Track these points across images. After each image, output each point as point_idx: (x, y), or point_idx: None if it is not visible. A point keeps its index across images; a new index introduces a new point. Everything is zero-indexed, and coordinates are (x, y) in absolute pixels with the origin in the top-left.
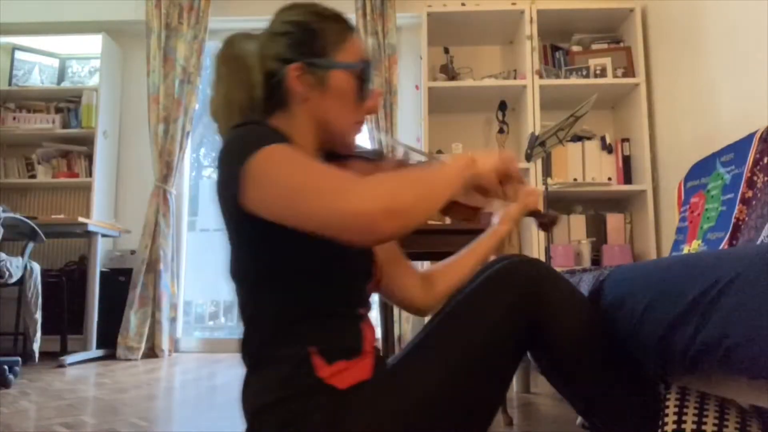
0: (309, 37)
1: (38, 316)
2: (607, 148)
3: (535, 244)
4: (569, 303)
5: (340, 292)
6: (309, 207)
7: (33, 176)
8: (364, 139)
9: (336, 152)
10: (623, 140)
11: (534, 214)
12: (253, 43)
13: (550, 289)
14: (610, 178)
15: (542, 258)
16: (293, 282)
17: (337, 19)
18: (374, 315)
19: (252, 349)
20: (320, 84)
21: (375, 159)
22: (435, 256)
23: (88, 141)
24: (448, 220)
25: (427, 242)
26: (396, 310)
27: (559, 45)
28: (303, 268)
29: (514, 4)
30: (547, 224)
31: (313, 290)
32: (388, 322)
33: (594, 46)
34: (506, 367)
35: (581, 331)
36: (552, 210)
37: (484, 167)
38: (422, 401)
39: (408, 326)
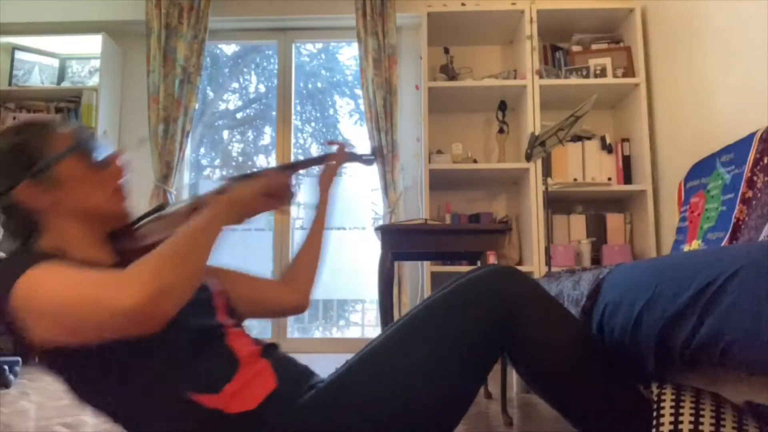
0: (14, 157)
1: None
2: (607, 148)
3: (535, 244)
4: (547, 320)
5: (185, 341)
6: (81, 322)
7: None
8: (363, 140)
9: (121, 228)
10: (623, 140)
11: (352, 159)
12: None
13: (528, 306)
14: (610, 178)
15: (542, 258)
16: (132, 362)
17: (29, 126)
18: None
19: None
20: (53, 184)
21: (161, 213)
22: (438, 257)
23: None
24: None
25: (432, 242)
26: (396, 311)
27: (559, 45)
28: (131, 347)
29: (514, 4)
30: (370, 159)
31: (156, 357)
32: (387, 323)
33: (594, 46)
34: (469, 378)
35: (561, 347)
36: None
37: (242, 198)
38: (372, 407)
39: None
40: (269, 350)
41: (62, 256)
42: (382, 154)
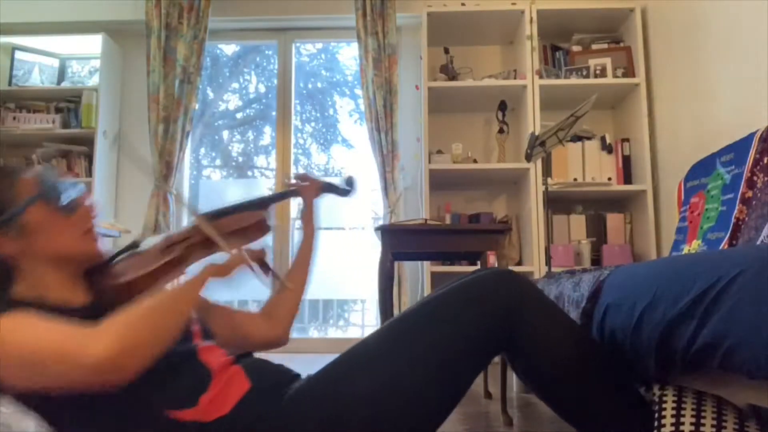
0: None
1: None
2: (607, 148)
3: (535, 244)
4: (546, 322)
5: (161, 366)
6: (51, 373)
7: None
8: (364, 139)
9: (93, 267)
10: (623, 140)
11: (326, 191)
12: None
13: (528, 308)
14: (610, 178)
15: (542, 258)
16: (107, 394)
17: None
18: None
19: None
20: (20, 233)
21: (135, 251)
22: (438, 257)
23: (88, 141)
24: None
25: (432, 242)
26: (396, 311)
27: (559, 45)
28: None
29: (514, 4)
30: (346, 190)
31: (131, 385)
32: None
33: (594, 46)
34: (463, 376)
35: (559, 349)
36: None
37: (220, 269)
38: (361, 400)
39: None
40: (241, 358)
41: (39, 300)
42: (353, 185)
